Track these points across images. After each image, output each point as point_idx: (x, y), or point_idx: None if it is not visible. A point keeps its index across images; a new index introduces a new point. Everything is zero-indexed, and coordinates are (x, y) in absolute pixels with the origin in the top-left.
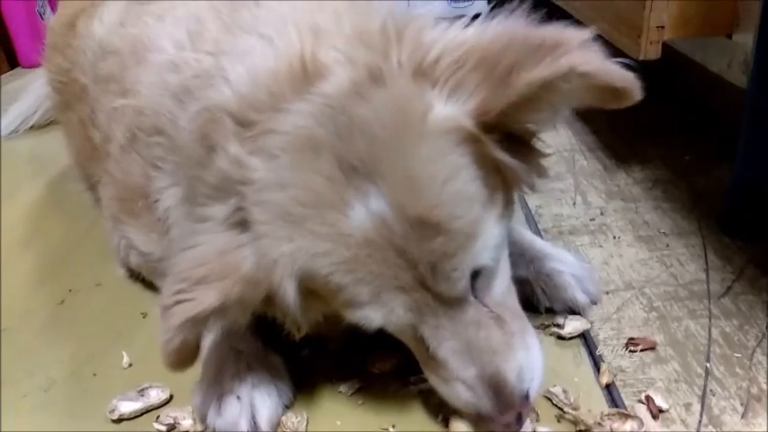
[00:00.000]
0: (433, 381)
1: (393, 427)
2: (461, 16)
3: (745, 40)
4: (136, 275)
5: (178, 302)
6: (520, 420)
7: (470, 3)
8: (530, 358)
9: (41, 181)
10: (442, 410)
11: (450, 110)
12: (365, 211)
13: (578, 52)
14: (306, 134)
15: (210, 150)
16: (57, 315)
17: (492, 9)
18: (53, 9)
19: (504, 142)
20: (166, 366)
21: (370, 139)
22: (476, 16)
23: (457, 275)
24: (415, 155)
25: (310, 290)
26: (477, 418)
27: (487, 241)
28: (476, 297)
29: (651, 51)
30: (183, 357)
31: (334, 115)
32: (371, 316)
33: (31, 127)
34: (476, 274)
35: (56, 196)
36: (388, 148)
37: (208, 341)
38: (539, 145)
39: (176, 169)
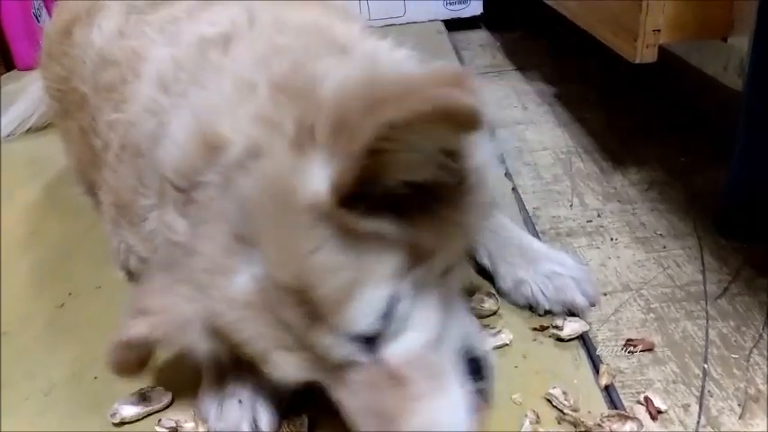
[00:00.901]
0: None
1: None
2: (457, 18)
3: (741, 43)
4: (135, 278)
5: (124, 325)
6: None
7: (466, 4)
8: (439, 421)
9: (39, 184)
10: None
11: (315, 183)
12: (249, 277)
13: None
14: (211, 205)
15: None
16: (57, 318)
17: (485, 10)
18: (49, 12)
19: (398, 200)
20: (113, 372)
21: (250, 211)
22: (471, 18)
23: (330, 341)
24: (283, 228)
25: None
26: None
27: (367, 307)
28: (377, 355)
29: (647, 55)
30: (124, 369)
31: (227, 187)
32: (271, 372)
33: (27, 130)
34: (373, 336)
35: (53, 199)
36: (263, 220)
37: None
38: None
39: (157, 194)
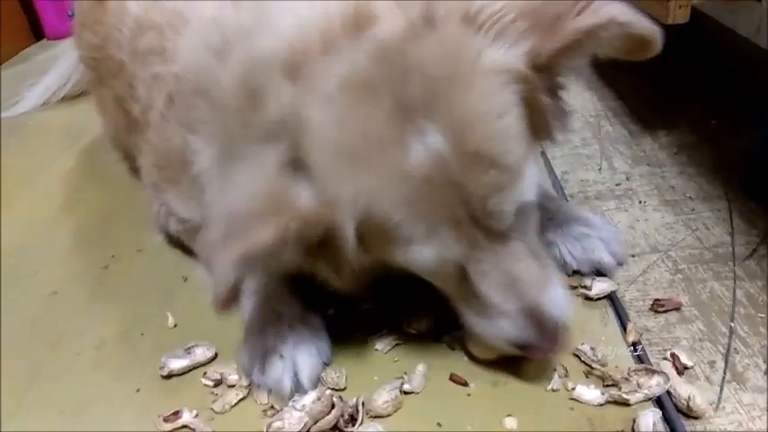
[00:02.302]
0: (474, 320)
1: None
2: None
3: None
4: (174, 241)
5: (229, 238)
6: (559, 344)
7: None
8: (560, 290)
9: (75, 151)
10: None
11: (500, 52)
12: (424, 149)
13: (613, 5)
14: (361, 75)
15: (255, 97)
16: (102, 279)
17: None
18: None
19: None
20: (218, 307)
21: (427, 79)
22: None
23: (506, 209)
24: (469, 92)
25: (360, 233)
26: (520, 349)
27: (530, 179)
28: (520, 230)
29: (680, 15)
30: (233, 296)
31: (390, 57)
32: (425, 252)
33: (62, 98)
34: (515, 212)
35: (91, 166)
36: (444, 87)
37: (249, 304)
38: (564, 97)
39: (213, 129)
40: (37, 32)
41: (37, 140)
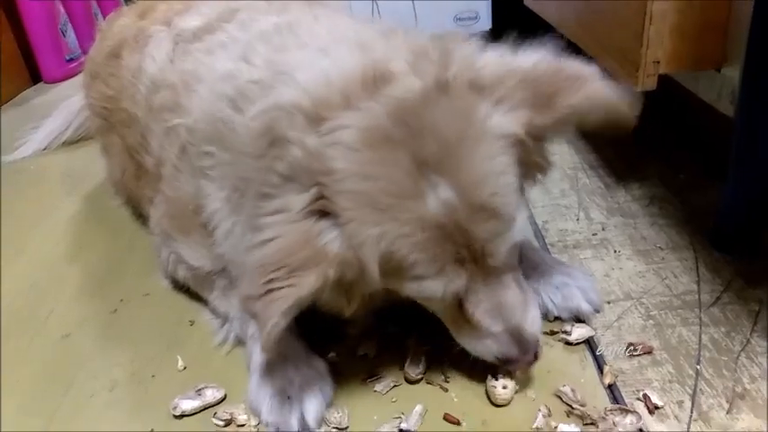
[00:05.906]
0: (466, 340)
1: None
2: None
3: (733, 73)
4: (180, 287)
5: (271, 291)
6: (536, 357)
7: (474, 21)
8: (536, 310)
9: (79, 196)
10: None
11: (502, 118)
12: (437, 199)
13: (599, 84)
14: (381, 131)
15: (275, 144)
16: (111, 323)
17: (495, 27)
18: (75, 28)
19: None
20: (269, 351)
21: (440, 139)
22: (480, 33)
23: (502, 250)
24: (477, 153)
25: (380, 270)
26: (504, 362)
27: (521, 223)
28: (508, 264)
29: (648, 83)
30: (280, 338)
31: (407, 116)
32: (433, 286)
33: (62, 143)
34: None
35: (94, 211)
36: (454, 147)
37: (256, 349)
38: (548, 154)
39: (224, 173)
40: (34, 75)
41: (40, 184)
